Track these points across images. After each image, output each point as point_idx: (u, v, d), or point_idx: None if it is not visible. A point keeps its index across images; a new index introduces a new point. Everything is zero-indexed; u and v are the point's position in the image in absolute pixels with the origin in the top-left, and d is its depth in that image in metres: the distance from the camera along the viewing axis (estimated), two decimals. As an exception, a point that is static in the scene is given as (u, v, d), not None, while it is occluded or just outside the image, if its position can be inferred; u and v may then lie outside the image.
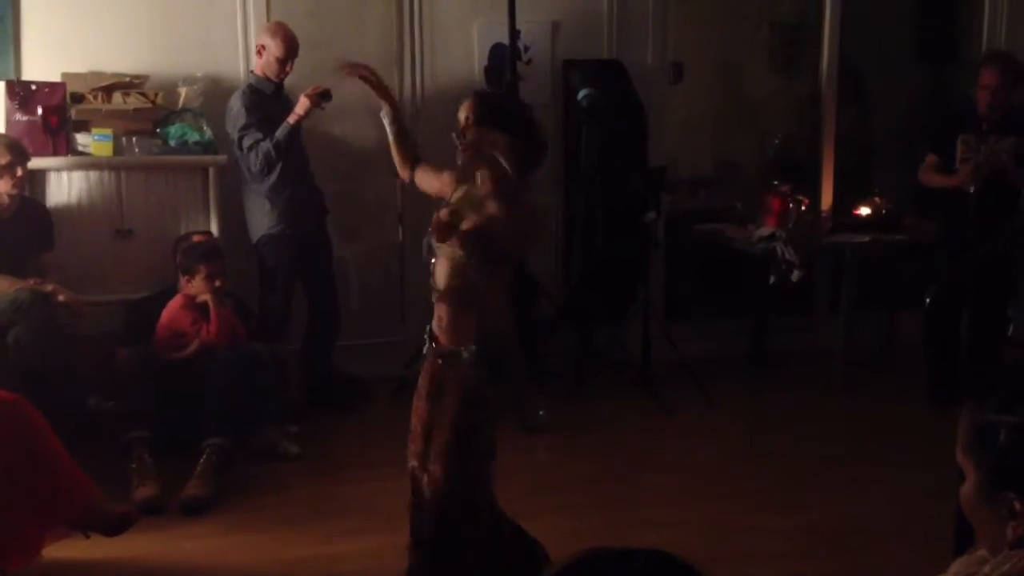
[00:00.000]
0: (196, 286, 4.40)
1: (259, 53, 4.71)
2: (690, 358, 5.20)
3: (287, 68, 4.71)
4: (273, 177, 4.67)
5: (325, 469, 4.25)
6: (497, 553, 2.95)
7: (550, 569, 1.12)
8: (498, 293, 2.84)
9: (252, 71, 4.78)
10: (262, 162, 4.59)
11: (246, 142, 4.59)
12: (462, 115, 2.86)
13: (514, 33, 5.03)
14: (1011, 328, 5.01)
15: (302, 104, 4.58)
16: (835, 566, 3.42)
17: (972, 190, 4.78)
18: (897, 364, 5.67)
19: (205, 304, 4.39)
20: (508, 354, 2.88)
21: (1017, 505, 1.73)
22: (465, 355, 2.80)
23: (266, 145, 4.57)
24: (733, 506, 3.89)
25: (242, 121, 4.59)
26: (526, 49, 5.36)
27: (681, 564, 1.11)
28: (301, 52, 4.85)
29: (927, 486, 3.81)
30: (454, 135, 2.86)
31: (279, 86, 4.76)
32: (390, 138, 3.21)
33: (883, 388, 5.36)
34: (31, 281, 4.22)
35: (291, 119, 4.59)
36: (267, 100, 4.70)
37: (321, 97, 4.59)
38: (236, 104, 4.65)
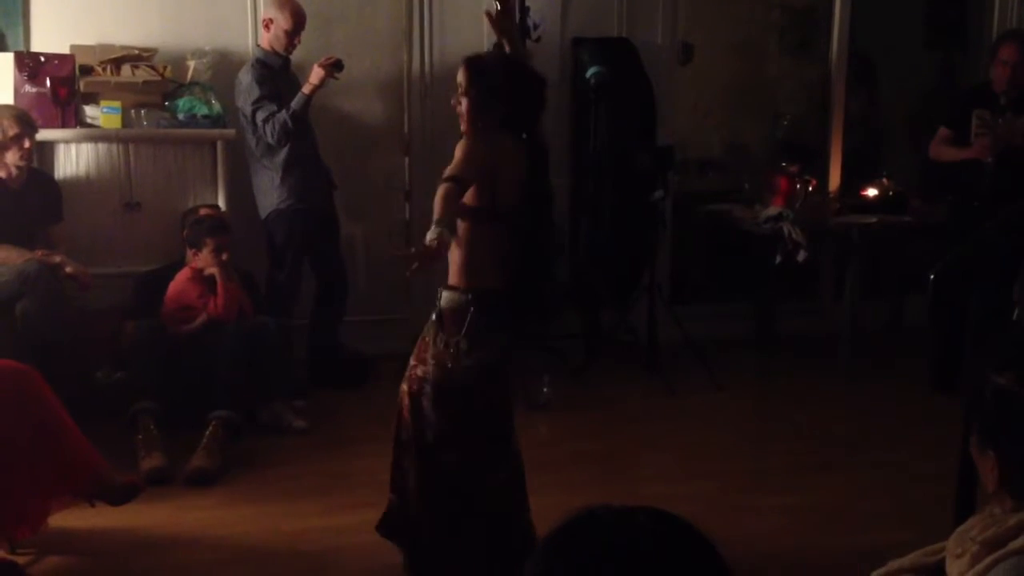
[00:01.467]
0: (203, 259, 4.42)
1: (266, 27, 4.71)
2: (696, 339, 5.21)
3: (295, 41, 4.72)
4: (284, 152, 4.68)
5: (330, 443, 4.27)
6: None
7: (552, 527, 1.13)
8: (485, 245, 2.86)
9: (259, 45, 4.78)
10: (279, 133, 4.60)
11: (261, 115, 4.60)
12: (460, 78, 2.94)
13: (524, 10, 5.01)
14: (1016, 312, 4.99)
15: (316, 74, 4.59)
16: (833, 546, 3.43)
17: (990, 160, 4.76)
18: (903, 348, 5.67)
19: (212, 278, 4.40)
20: (487, 309, 2.86)
21: (995, 468, 1.79)
22: (442, 296, 2.87)
23: (282, 116, 4.58)
24: (734, 485, 3.91)
25: (255, 94, 4.60)
26: (535, 26, 5.34)
27: (681, 522, 1.12)
28: (312, 28, 4.85)
29: (929, 470, 3.83)
30: (453, 101, 2.94)
31: (287, 60, 4.76)
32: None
33: (888, 372, 5.37)
34: (39, 253, 4.24)
35: (306, 89, 4.60)
36: (276, 74, 4.70)
37: (334, 67, 4.60)
38: (246, 78, 4.65)
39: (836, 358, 5.34)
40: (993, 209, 4.62)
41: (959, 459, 3.10)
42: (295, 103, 4.60)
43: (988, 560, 1.74)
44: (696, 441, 4.42)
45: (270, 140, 4.63)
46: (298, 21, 4.69)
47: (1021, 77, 4.77)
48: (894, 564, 2.20)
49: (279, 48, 4.71)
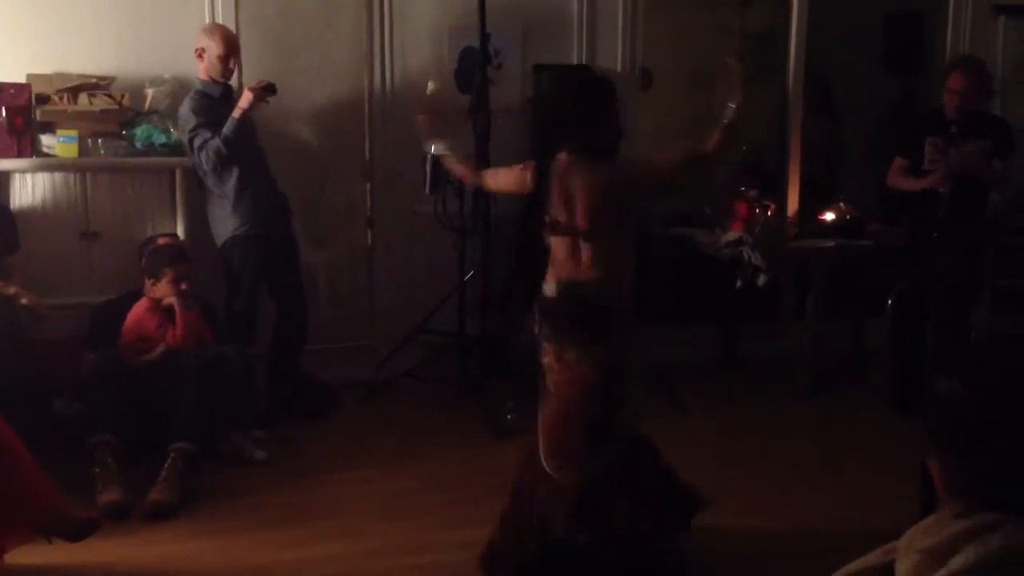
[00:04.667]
0: (161, 289, 4.37)
1: (200, 56, 4.68)
2: (660, 363, 5.22)
3: (230, 66, 4.69)
4: (233, 179, 4.64)
5: (292, 474, 4.22)
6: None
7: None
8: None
9: (199, 77, 4.74)
10: (213, 160, 4.57)
11: (196, 142, 4.57)
12: None
13: (484, 37, 5.03)
14: (973, 334, 5.05)
15: (245, 97, 4.56)
16: (800, 568, 3.44)
17: (943, 191, 4.83)
18: (865, 370, 5.72)
19: (171, 308, 4.36)
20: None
21: (933, 473, 1.83)
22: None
23: (215, 142, 4.54)
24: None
25: (191, 123, 4.57)
26: (496, 53, 5.37)
27: (648, 557, 1.13)
28: (271, 54, 4.84)
29: (891, 491, 3.85)
30: None
31: (227, 88, 4.73)
32: (454, 165, 4.12)
33: (850, 394, 5.40)
34: (-7, 284, 4.18)
35: (235, 112, 4.56)
36: (216, 103, 4.65)
37: (264, 91, 4.57)
38: (184, 109, 4.63)
39: (798, 380, 5.38)
40: (950, 235, 4.69)
41: (921, 479, 3.13)
42: (226, 128, 4.55)
43: None
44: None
45: (205, 167, 4.60)
46: (229, 45, 4.67)
47: (969, 104, 4.84)
48: (858, 563, 2.21)
49: (215, 75, 4.68)
